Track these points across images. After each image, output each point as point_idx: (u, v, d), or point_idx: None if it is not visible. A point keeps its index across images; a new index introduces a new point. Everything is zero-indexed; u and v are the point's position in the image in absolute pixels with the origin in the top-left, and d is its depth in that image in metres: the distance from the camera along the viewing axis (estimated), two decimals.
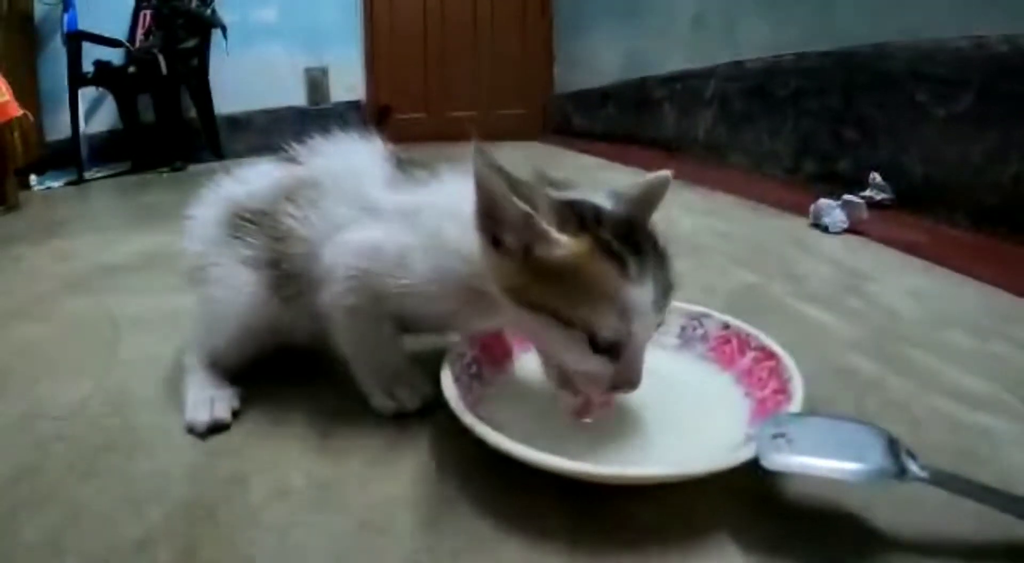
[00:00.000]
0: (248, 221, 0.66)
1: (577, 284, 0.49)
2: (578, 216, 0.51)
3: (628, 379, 0.52)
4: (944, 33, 1.34)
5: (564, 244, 0.49)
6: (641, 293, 0.49)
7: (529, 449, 0.48)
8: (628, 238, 0.50)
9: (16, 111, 2.18)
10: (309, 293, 0.62)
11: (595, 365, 0.51)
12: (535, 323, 0.52)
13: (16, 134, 2.18)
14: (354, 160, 0.66)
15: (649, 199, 0.58)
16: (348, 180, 0.64)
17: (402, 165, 0.65)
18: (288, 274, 0.64)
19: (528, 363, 0.66)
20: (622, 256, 0.49)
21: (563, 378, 0.55)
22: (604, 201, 0.54)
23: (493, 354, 0.67)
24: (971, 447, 0.56)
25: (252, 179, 0.70)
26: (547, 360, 0.56)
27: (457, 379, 0.58)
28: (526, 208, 0.49)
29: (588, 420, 0.57)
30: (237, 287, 0.65)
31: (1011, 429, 0.58)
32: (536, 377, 0.64)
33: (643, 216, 0.57)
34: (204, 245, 0.68)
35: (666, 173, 0.59)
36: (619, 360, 0.51)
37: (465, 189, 0.58)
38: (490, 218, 0.51)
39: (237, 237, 0.66)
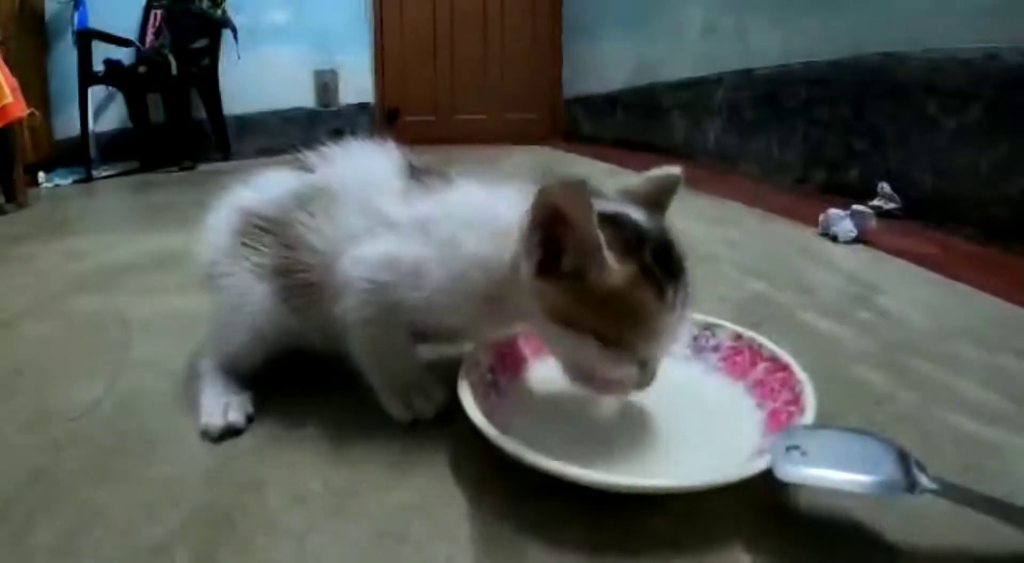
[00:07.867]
0: (261, 229, 0.66)
1: (620, 308, 0.51)
2: (622, 239, 0.51)
3: (647, 382, 0.56)
4: (955, 44, 1.35)
5: (616, 271, 0.50)
6: (673, 317, 0.53)
7: (546, 458, 0.48)
8: (666, 261, 0.52)
9: (21, 111, 2.17)
10: (323, 302, 0.62)
11: (625, 374, 0.55)
12: (571, 339, 0.54)
13: (25, 131, 2.17)
14: (369, 170, 0.66)
15: (660, 198, 0.59)
16: (363, 191, 0.63)
17: (416, 174, 0.65)
18: (301, 283, 0.64)
19: (542, 372, 0.67)
20: (662, 283, 0.51)
21: (586, 380, 0.57)
22: (635, 213, 0.55)
23: (508, 362, 0.68)
24: (980, 460, 0.56)
25: (266, 187, 0.70)
26: (571, 367, 0.58)
27: (474, 388, 0.58)
28: (600, 239, 0.49)
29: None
30: (249, 295, 0.65)
31: (1020, 443, 0.58)
32: (550, 386, 0.64)
33: (660, 218, 0.58)
34: (217, 253, 0.68)
35: (676, 171, 0.60)
36: (644, 369, 0.55)
37: (479, 196, 0.59)
38: (549, 242, 0.51)
39: (250, 245, 0.66)
